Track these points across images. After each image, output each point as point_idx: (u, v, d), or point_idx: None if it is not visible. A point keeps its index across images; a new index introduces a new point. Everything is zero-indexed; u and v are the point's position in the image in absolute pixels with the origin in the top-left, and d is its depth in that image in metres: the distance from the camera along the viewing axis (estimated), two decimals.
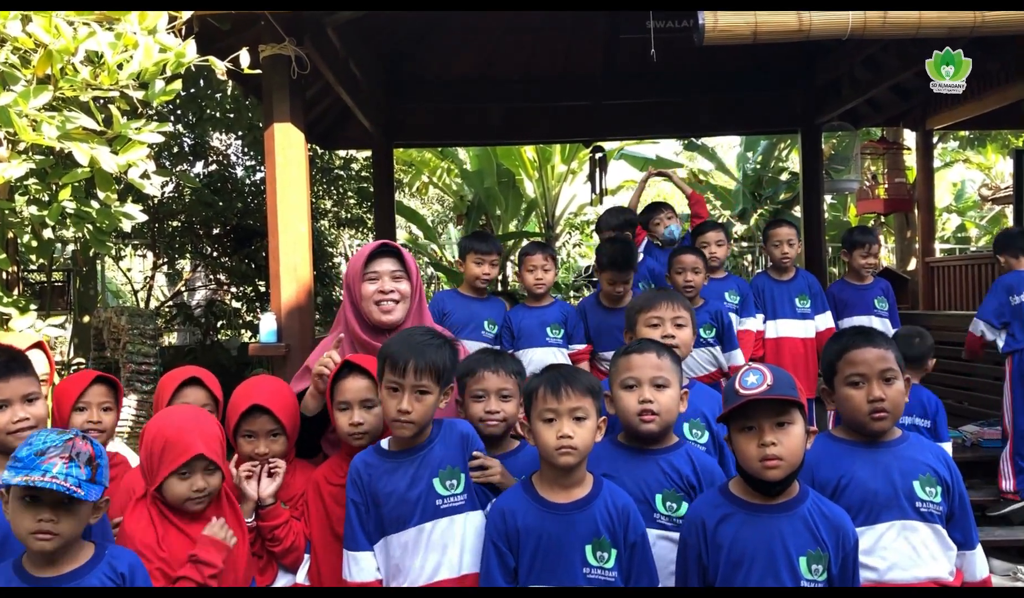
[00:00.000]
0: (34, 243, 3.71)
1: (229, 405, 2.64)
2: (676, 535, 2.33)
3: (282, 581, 2.60)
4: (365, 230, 11.20)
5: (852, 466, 2.34)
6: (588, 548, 2.19)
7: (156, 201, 8.35)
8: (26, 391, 2.33)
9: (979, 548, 2.39)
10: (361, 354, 2.71)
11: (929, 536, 2.30)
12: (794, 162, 14.26)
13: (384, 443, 2.48)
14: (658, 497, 2.40)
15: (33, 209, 3.45)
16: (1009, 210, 12.84)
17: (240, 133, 9.07)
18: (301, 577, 2.61)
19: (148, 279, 10.15)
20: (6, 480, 1.92)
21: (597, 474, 2.31)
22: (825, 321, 4.90)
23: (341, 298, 3.03)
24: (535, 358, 4.07)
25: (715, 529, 2.17)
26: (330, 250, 11.44)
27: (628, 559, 2.21)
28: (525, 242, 10.68)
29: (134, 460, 2.80)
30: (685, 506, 2.37)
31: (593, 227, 10.43)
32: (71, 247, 7.28)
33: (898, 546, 2.28)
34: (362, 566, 2.40)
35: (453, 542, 2.36)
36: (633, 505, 2.27)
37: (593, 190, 9.25)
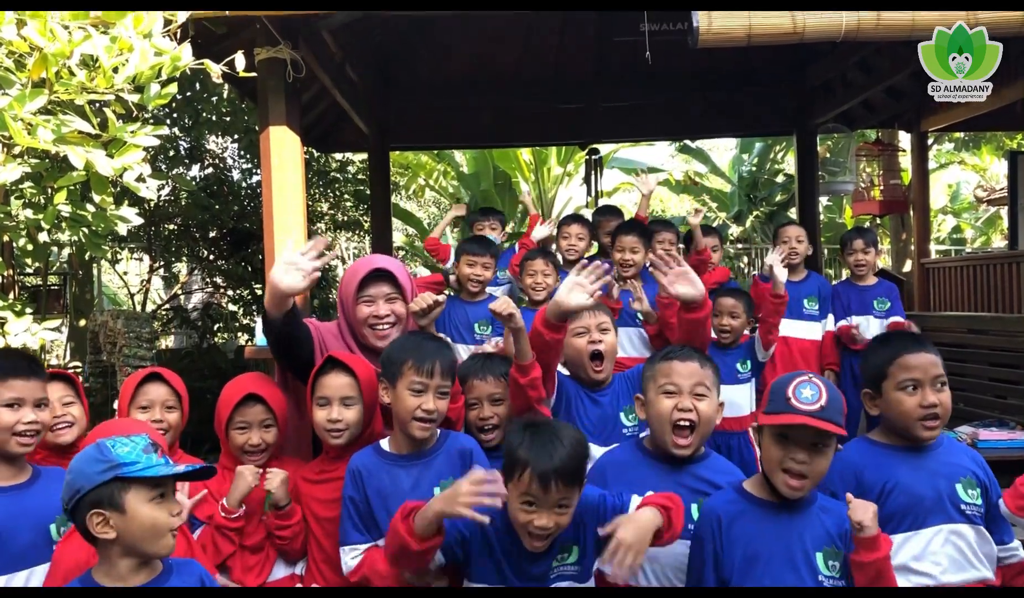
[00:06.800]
0: (29, 247, 3.70)
1: (220, 400, 2.69)
2: None
3: (279, 572, 2.65)
4: (362, 233, 11.20)
5: (896, 471, 2.35)
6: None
7: (152, 204, 8.33)
8: (40, 395, 2.36)
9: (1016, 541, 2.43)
10: (344, 352, 2.72)
11: (974, 538, 2.32)
12: (789, 164, 14.29)
13: (384, 444, 2.50)
14: (694, 506, 2.37)
15: (28, 213, 3.44)
16: (1004, 211, 12.86)
17: (236, 136, 9.06)
18: (299, 568, 2.64)
19: (144, 282, 10.12)
20: (140, 473, 1.85)
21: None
22: (829, 324, 5.00)
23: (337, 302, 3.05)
24: None
25: (730, 525, 2.18)
26: (326, 253, 11.40)
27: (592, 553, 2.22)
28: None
29: None
30: None
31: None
32: (67, 251, 7.27)
33: (947, 550, 2.30)
34: (356, 555, 2.43)
35: None
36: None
37: (589, 192, 9.27)
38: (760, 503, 2.19)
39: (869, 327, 4.99)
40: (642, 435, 2.57)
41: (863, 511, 2.07)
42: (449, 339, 2.88)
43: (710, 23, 3.69)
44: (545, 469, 2.02)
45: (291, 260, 2.56)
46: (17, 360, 2.40)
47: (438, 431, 2.52)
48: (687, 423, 2.34)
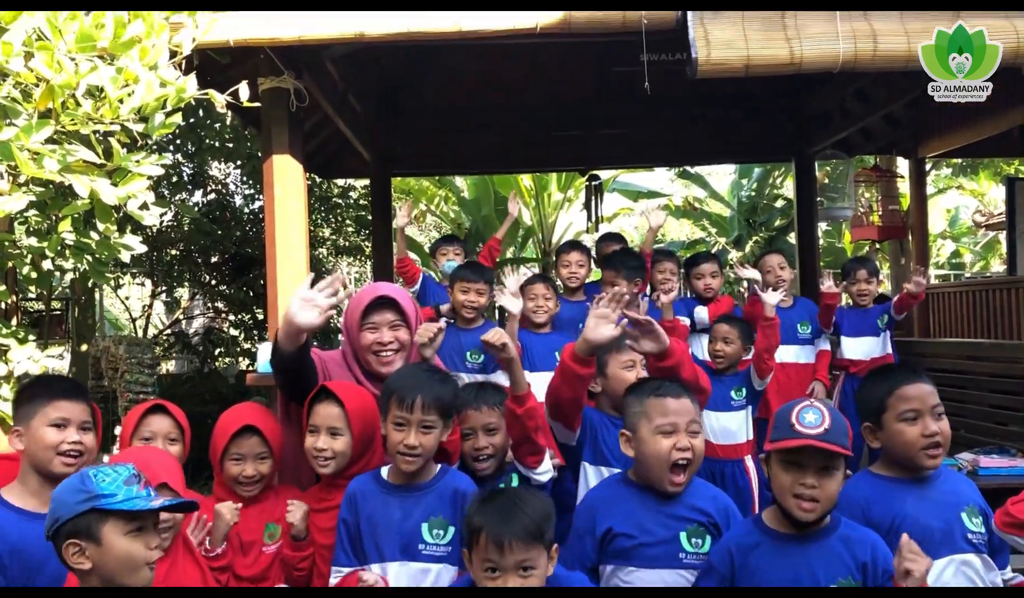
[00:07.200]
0: (33, 274, 3.72)
1: (216, 429, 2.70)
2: None
3: None
4: (363, 258, 11.24)
5: (903, 504, 2.35)
6: None
7: (155, 230, 8.37)
8: (84, 418, 2.42)
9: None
10: (339, 381, 2.73)
11: (982, 567, 2.33)
12: (788, 189, 14.34)
13: (384, 472, 2.51)
14: (682, 535, 2.37)
15: (32, 240, 3.46)
16: (1003, 236, 12.90)
17: (239, 162, 9.13)
18: None
19: (146, 307, 10.14)
20: (117, 506, 1.84)
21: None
22: (822, 344, 5.09)
23: (340, 328, 3.07)
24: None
25: (744, 558, 2.19)
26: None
27: None
28: (523, 269, 10.73)
29: None
30: (709, 540, 2.36)
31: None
32: (69, 276, 7.29)
33: (958, 581, 2.30)
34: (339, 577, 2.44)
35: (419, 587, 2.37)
36: None
37: (589, 218, 9.31)
38: (776, 535, 2.20)
39: (875, 348, 5.10)
40: (620, 471, 2.57)
41: (919, 564, 2.02)
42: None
43: (708, 54, 3.73)
44: (498, 529, 2.01)
45: (307, 296, 2.56)
46: (65, 382, 2.53)
47: (437, 466, 2.52)
48: (685, 462, 2.36)
